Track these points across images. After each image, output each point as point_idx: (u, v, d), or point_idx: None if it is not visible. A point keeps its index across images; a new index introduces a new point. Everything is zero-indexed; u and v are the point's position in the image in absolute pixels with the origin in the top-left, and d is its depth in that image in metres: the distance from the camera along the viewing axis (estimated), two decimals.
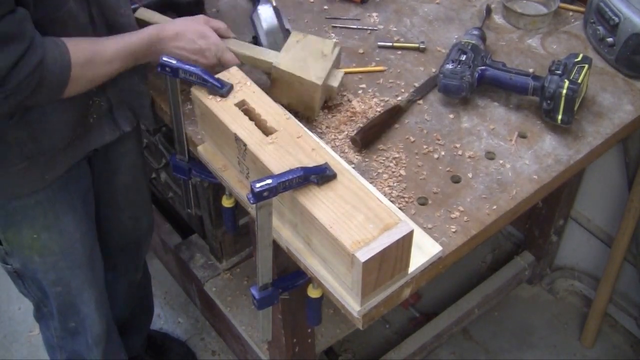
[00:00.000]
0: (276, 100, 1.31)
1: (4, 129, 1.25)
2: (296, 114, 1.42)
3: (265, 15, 1.51)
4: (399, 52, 1.60)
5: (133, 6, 1.61)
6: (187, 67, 1.26)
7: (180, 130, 1.43)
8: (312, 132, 1.28)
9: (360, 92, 1.50)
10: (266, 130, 1.24)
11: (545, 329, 2.25)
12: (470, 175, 1.34)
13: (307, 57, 1.39)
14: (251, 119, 1.25)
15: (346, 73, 1.52)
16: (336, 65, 1.44)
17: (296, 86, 1.38)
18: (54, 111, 1.28)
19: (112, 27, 1.33)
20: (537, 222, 2.17)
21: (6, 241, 1.43)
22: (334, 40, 1.54)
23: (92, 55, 1.23)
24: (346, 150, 1.38)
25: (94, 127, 1.40)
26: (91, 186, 1.51)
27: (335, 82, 1.42)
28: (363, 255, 1.04)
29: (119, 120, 1.44)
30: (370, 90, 1.50)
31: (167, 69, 1.26)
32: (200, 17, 1.42)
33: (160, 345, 2.15)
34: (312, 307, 1.38)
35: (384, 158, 1.37)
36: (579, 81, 1.35)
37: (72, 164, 1.39)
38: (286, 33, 1.50)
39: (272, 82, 1.40)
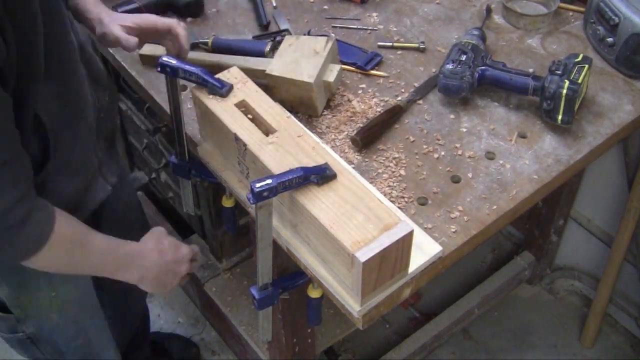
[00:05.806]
0: (277, 102, 1.31)
1: None
2: (297, 114, 1.42)
3: None
4: (399, 52, 1.60)
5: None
6: (187, 67, 1.26)
7: (180, 130, 1.42)
8: (312, 132, 1.28)
9: (360, 92, 1.50)
10: (266, 130, 1.23)
11: (545, 329, 2.25)
12: (470, 175, 1.34)
13: (299, 59, 1.38)
14: (251, 119, 1.25)
15: (348, 71, 1.53)
16: (332, 60, 1.43)
17: (292, 89, 1.38)
18: (63, 177, 1.22)
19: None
20: (537, 222, 2.17)
21: (19, 307, 1.34)
22: (327, 36, 1.52)
23: (80, 236, 1.17)
24: (346, 150, 1.38)
25: (90, 188, 1.32)
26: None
27: (331, 77, 1.40)
28: (363, 256, 1.04)
29: (107, 175, 1.36)
30: (370, 90, 1.50)
31: (167, 68, 1.26)
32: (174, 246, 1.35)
33: (162, 346, 2.15)
34: (312, 307, 1.38)
35: (384, 158, 1.37)
36: (579, 81, 1.35)
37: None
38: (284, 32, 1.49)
39: (270, 88, 1.39)
